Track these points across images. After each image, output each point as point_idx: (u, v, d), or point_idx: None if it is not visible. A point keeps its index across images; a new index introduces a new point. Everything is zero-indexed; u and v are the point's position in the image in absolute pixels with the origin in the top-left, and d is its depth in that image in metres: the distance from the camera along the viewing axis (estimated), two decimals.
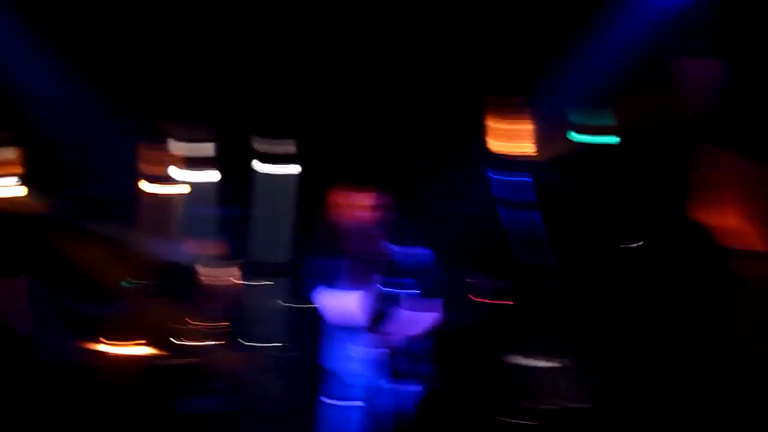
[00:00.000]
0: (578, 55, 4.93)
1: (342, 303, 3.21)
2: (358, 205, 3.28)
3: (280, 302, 5.15)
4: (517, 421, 4.97)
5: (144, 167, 5.02)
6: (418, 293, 3.31)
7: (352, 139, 6.01)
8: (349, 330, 3.25)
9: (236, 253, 5.69)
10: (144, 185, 5.08)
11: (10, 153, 4.59)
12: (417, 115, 5.73)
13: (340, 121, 5.53)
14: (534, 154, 6.58)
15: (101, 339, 4.38)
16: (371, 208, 3.30)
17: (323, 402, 3.31)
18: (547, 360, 5.03)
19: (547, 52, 4.91)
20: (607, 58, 4.85)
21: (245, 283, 5.33)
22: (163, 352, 4.81)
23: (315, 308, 3.35)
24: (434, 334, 3.65)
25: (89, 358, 4.39)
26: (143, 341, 4.53)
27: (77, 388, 4.35)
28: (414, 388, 3.29)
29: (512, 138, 6.67)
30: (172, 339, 4.92)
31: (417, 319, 3.33)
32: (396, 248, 3.38)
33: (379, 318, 3.25)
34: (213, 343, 4.75)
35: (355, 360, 3.22)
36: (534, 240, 3.23)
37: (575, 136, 6.60)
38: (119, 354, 4.43)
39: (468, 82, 5.22)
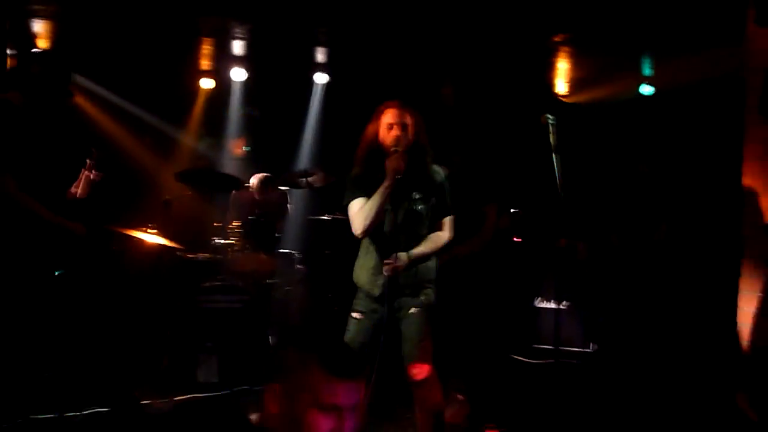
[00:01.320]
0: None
1: (374, 217, 3.15)
2: (402, 123, 3.22)
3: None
4: (528, 360, 5.08)
5: None
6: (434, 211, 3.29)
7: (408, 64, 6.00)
8: (377, 245, 3.24)
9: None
10: None
11: None
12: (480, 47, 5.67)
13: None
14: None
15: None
16: (414, 127, 3.24)
17: (350, 315, 3.30)
18: (559, 303, 5.07)
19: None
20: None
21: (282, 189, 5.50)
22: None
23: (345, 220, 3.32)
24: (444, 256, 3.61)
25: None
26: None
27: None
28: (419, 308, 3.30)
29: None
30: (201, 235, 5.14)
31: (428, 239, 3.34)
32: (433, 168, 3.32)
33: (405, 235, 3.22)
34: (238, 244, 4.94)
35: (379, 276, 3.20)
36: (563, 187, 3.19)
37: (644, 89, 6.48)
38: (149, 242, 4.63)
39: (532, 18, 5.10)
